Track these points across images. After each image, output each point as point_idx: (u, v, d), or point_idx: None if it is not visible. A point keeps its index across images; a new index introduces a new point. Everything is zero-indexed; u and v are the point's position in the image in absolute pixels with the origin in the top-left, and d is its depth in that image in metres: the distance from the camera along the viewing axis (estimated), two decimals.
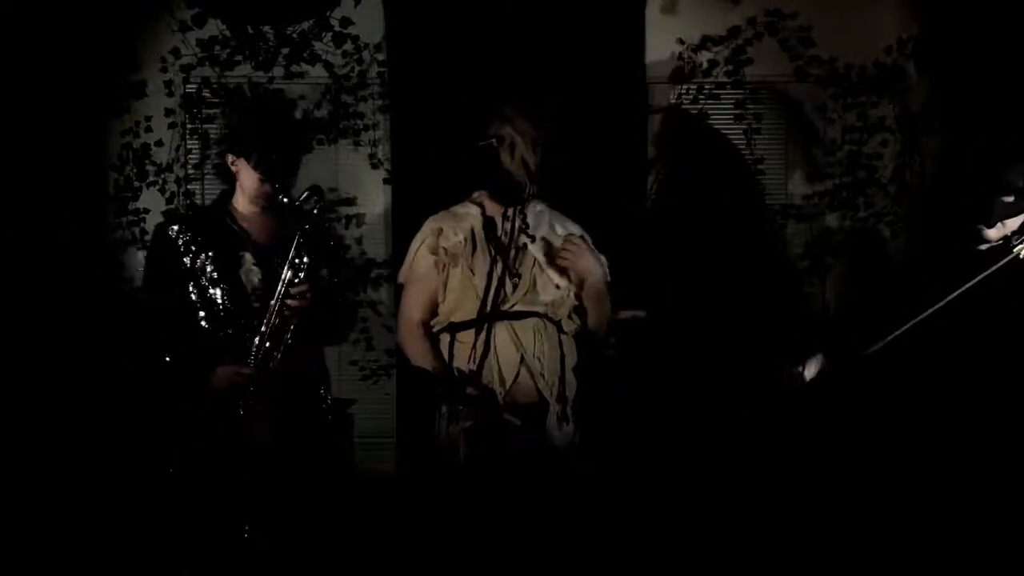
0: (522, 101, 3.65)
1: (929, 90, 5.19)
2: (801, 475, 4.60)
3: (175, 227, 3.45)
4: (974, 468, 3.28)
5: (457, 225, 3.60)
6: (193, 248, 3.41)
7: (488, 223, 3.59)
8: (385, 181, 5.27)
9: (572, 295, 3.60)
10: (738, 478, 4.78)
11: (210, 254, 3.40)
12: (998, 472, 3.26)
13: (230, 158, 3.47)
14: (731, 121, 5.29)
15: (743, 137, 5.27)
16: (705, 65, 5.24)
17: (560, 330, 3.57)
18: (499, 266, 3.49)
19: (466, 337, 3.50)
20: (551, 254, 3.57)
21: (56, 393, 4.68)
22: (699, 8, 5.25)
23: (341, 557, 4.50)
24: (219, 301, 3.38)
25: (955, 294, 3.18)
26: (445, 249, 3.57)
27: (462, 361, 3.49)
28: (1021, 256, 3.19)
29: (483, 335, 3.46)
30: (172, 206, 5.09)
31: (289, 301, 3.31)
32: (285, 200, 3.35)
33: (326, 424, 3.58)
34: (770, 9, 5.20)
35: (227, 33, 5.09)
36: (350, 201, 5.29)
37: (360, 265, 5.28)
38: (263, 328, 3.32)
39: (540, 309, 3.54)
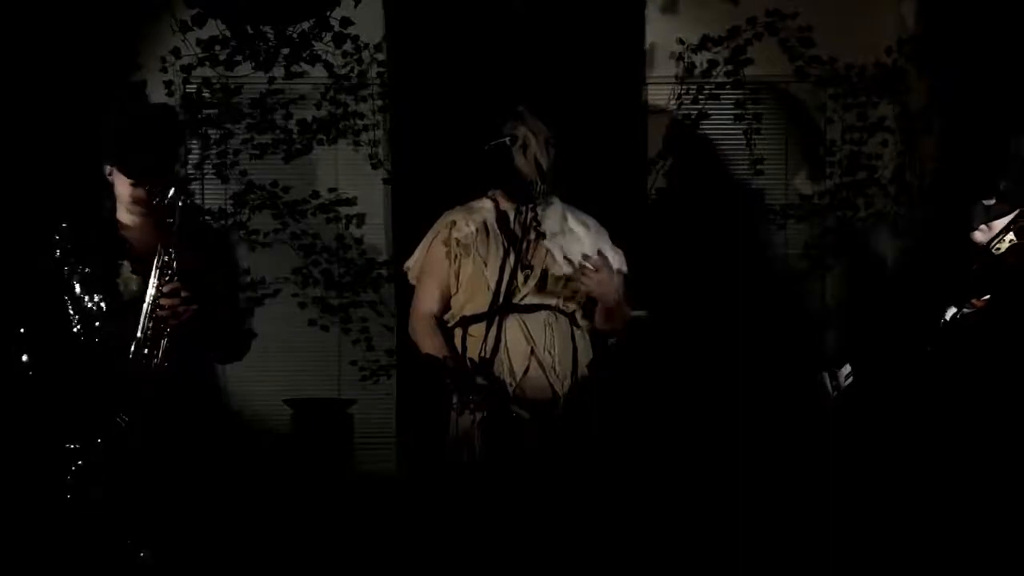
0: (536, 99, 3.64)
1: (929, 90, 5.19)
2: (806, 473, 4.61)
3: (56, 236, 3.32)
4: (974, 471, 3.28)
5: (470, 217, 3.60)
6: (72, 259, 3.30)
7: (501, 216, 3.59)
8: (385, 181, 5.27)
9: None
10: (740, 475, 4.79)
11: (87, 265, 3.29)
12: (1000, 477, 3.26)
13: (107, 168, 3.34)
14: (731, 121, 5.29)
15: (743, 137, 5.28)
16: (705, 65, 5.24)
17: (573, 323, 3.57)
18: (511, 257, 3.49)
19: (478, 331, 3.50)
20: (564, 246, 3.57)
21: (54, 394, 4.66)
22: (699, 8, 5.25)
23: (341, 557, 4.51)
24: (95, 310, 3.29)
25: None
26: (457, 240, 3.58)
27: (474, 354, 3.49)
28: (998, 252, 3.19)
29: (494, 328, 3.46)
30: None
31: (162, 300, 3.26)
32: (156, 202, 3.28)
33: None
34: (770, 9, 5.20)
35: (227, 33, 5.08)
36: (350, 201, 5.29)
37: (360, 265, 5.28)
38: (138, 332, 3.28)
39: (552, 301, 3.54)
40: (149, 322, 3.23)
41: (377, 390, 5.29)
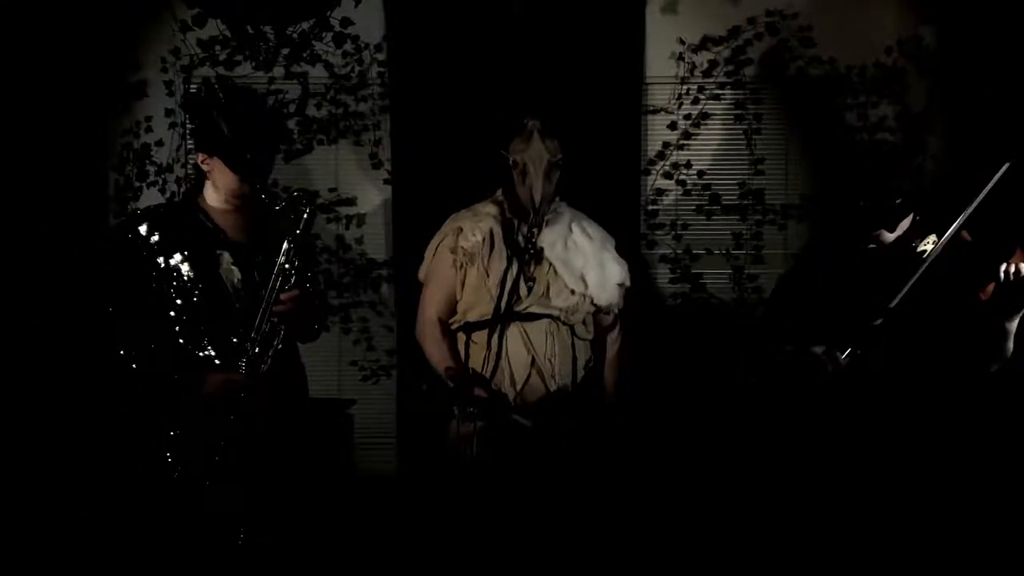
0: (547, 115, 3.61)
1: (929, 90, 5.19)
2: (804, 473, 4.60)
3: (144, 227, 3.33)
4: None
5: (476, 225, 3.61)
6: (167, 248, 3.30)
7: (507, 224, 3.59)
8: (385, 181, 5.27)
9: (588, 302, 3.60)
10: (740, 478, 4.78)
11: (185, 254, 3.31)
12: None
13: (200, 156, 3.38)
14: (731, 121, 5.29)
15: (743, 137, 5.28)
16: (705, 65, 5.24)
17: (574, 334, 3.58)
18: (514, 269, 3.50)
19: (480, 337, 3.52)
20: (567, 261, 3.57)
21: (52, 395, 4.67)
22: (699, 8, 5.25)
23: (341, 557, 4.50)
24: (197, 303, 3.30)
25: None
26: (463, 248, 3.58)
27: (476, 361, 3.51)
28: (925, 256, 3.22)
29: (495, 336, 3.47)
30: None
31: (277, 308, 3.26)
32: (267, 201, 3.29)
33: (309, 422, 3.52)
34: (770, 9, 5.20)
35: (227, 33, 5.08)
36: (350, 201, 5.29)
37: (360, 265, 5.28)
38: (253, 334, 3.27)
39: (554, 313, 3.55)
40: (266, 325, 3.24)
41: (377, 390, 5.30)
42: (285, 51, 5.15)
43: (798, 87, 5.25)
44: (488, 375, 3.50)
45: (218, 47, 5.15)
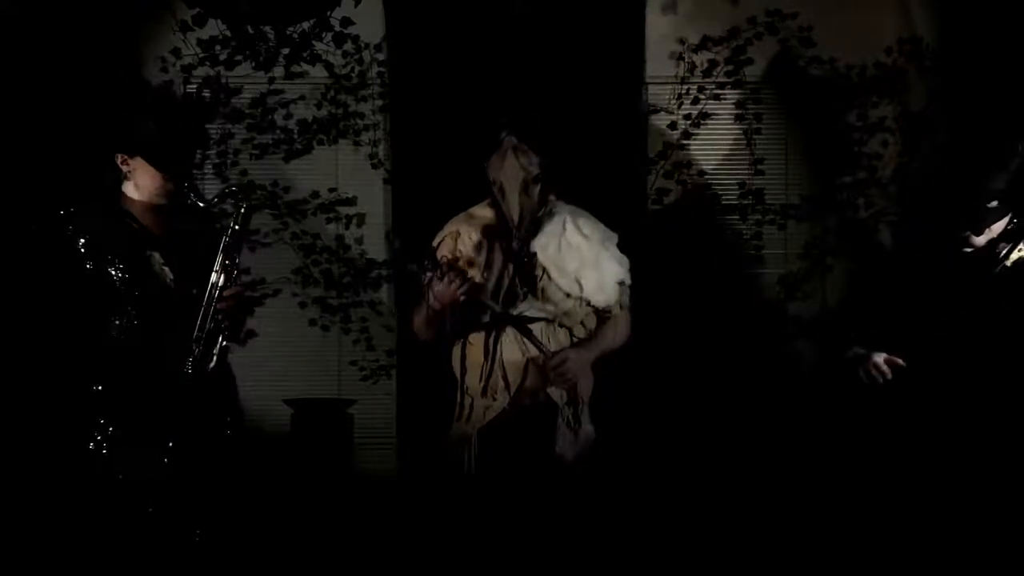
0: (528, 125, 3.59)
1: (929, 90, 5.19)
2: (802, 474, 4.61)
3: (70, 228, 3.22)
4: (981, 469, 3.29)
5: (472, 228, 3.61)
6: (95, 251, 3.20)
7: (503, 228, 3.59)
8: (385, 181, 5.27)
9: (585, 304, 3.59)
10: (740, 477, 4.79)
11: (114, 256, 3.22)
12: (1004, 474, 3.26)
13: (120, 157, 3.27)
14: (731, 121, 5.29)
15: (743, 137, 5.28)
16: (705, 65, 5.24)
17: (572, 335, 3.58)
18: (509, 271, 3.50)
19: (476, 339, 3.52)
20: (560, 264, 3.56)
21: (50, 396, 4.65)
22: (699, 8, 5.25)
23: (341, 557, 4.51)
24: (132, 305, 3.21)
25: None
26: (461, 252, 3.58)
27: (473, 363, 3.51)
28: (1010, 264, 3.20)
29: (490, 339, 3.48)
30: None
31: (220, 305, 3.24)
32: (193, 196, 3.23)
33: (244, 422, 3.49)
34: (770, 9, 5.20)
35: (227, 33, 5.08)
36: (350, 201, 5.29)
37: (360, 265, 5.29)
38: (197, 332, 3.21)
39: (548, 316, 3.54)
40: (210, 323, 3.22)
41: (377, 390, 5.30)
42: (285, 51, 5.15)
43: (798, 87, 5.25)
44: (484, 378, 3.52)
45: (218, 47, 5.15)
